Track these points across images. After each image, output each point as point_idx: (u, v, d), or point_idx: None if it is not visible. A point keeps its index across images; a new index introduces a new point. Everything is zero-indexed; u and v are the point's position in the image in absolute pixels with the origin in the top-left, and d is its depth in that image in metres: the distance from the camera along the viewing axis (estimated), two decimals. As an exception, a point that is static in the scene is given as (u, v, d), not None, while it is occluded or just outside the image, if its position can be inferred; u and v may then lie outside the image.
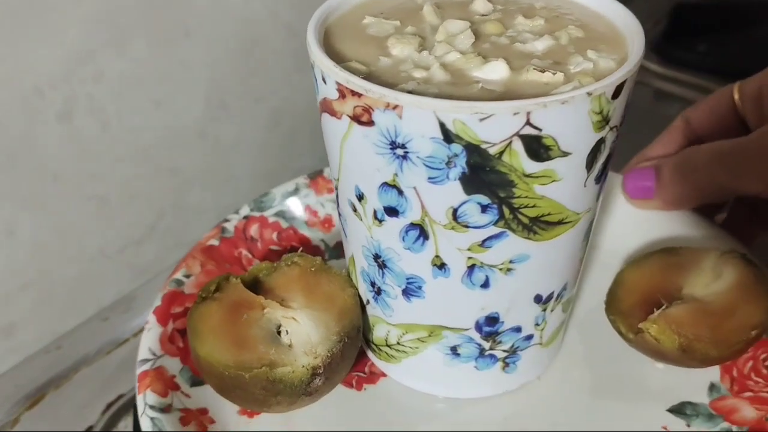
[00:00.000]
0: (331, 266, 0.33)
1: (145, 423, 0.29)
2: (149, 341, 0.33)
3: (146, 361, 0.32)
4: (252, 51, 0.46)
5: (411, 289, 0.29)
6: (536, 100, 0.23)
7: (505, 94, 0.24)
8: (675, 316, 0.30)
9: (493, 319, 0.29)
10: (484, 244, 0.27)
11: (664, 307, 0.31)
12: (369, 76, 0.25)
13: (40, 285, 0.41)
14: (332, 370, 0.29)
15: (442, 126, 0.23)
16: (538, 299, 0.29)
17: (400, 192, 0.26)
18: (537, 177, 0.25)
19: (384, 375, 0.34)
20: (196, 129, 0.45)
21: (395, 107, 0.23)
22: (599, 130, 0.25)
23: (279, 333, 0.30)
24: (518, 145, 0.24)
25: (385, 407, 0.32)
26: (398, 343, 0.31)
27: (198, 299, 0.31)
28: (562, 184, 0.25)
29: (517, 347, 0.31)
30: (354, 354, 0.31)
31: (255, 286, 0.32)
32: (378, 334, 0.32)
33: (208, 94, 0.45)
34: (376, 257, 0.29)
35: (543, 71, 0.25)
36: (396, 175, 0.26)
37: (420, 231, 0.27)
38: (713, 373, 0.33)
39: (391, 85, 0.24)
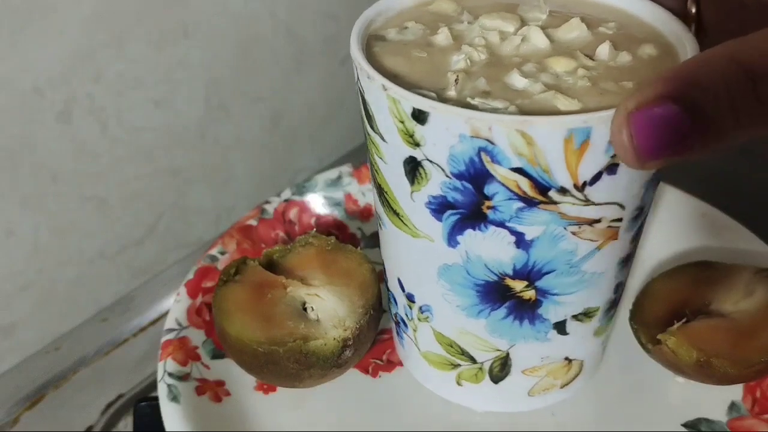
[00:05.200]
0: (346, 245, 0.33)
1: (161, 389, 0.31)
2: (177, 312, 0.34)
3: (171, 330, 0.33)
4: (251, 51, 0.46)
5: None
6: (360, 55, 0.24)
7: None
8: (696, 330, 0.30)
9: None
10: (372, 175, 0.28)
11: (684, 320, 0.30)
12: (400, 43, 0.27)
13: (39, 285, 0.41)
14: (360, 341, 0.30)
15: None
16: (401, 286, 0.30)
17: None
18: (371, 134, 0.25)
19: (400, 364, 0.34)
20: (195, 129, 0.45)
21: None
22: (408, 144, 0.24)
23: (305, 309, 0.31)
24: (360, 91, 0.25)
25: (397, 397, 0.33)
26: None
27: (219, 282, 0.32)
28: (387, 168, 0.26)
29: (401, 319, 0.31)
30: (377, 326, 0.32)
31: (271, 268, 0.33)
32: None
33: (207, 94, 0.45)
34: None
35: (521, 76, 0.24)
36: None
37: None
38: (735, 391, 0.32)
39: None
